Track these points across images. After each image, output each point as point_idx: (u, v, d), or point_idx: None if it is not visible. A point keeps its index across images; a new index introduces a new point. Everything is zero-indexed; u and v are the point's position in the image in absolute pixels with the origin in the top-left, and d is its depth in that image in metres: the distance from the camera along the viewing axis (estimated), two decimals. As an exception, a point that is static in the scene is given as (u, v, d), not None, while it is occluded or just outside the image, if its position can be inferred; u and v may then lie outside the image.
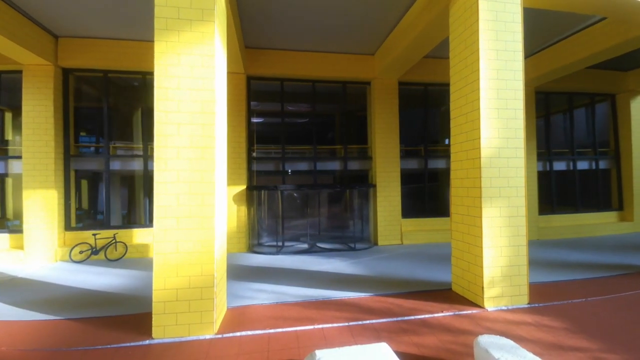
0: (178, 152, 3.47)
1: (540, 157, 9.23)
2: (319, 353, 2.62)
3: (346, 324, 3.73)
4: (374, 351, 2.66)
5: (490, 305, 4.09)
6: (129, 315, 4.00)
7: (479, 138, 4.10)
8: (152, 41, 7.11)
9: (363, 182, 8.89)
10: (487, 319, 3.85)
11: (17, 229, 7.37)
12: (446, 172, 9.28)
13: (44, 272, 6.12)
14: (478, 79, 4.13)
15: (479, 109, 4.12)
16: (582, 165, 9.79)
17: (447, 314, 3.97)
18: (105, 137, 7.53)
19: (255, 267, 6.31)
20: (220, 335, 3.48)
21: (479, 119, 4.12)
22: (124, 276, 5.77)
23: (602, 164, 9.93)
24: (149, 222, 7.67)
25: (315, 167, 8.40)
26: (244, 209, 7.70)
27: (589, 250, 7.35)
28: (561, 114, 9.99)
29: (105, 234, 7.21)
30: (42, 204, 6.86)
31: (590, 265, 6.12)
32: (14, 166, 7.41)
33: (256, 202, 8.06)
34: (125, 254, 7.08)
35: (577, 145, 9.73)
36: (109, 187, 7.53)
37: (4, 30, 5.59)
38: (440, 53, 7.85)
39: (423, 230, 8.56)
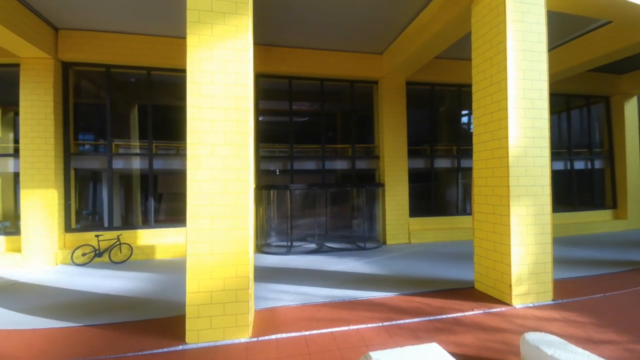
0: (212, 150, 3.35)
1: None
2: (374, 355, 2.56)
3: (380, 324, 3.69)
4: (427, 352, 2.62)
5: (517, 303, 4.14)
6: (155, 320, 3.84)
7: (507, 137, 4.14)
8: (158, 35, 6.97)
9: (369, 182, 8.89)
10: (517, 317, 3.89)
11: (9, 231, 7.00)
12: (449, 172, 9.39)
13: (46, 276, 5.81)
14: (506, 78, 4.17)
15: (506, 108, 4.16)
16: (579, 165, 10.12)
17: (478, 312, 4.00)
18: (108, 135, 7.23)
19: (270, 268, 6.19)
20: (255, 339, 3.38)
21: (506, 118, 4.16)
22: (134, 279, 5.55)
23: (597, 164, 10.30)
24: (154, 223, 7.42)
25: (324, 166, 8.34)
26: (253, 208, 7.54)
27: (591, 247, 7.58)
28: (557, 115, 10.29)
29: (108, 235, 6.92)
30: (41, 204, 6.52)
31: (596, 261, 6.30)
32: (4, 165, 7.02)
33: (265, 202, 7.92)
34: (130, 256, 6.82)
35: (573, 145, 10.06)
36: (112, 186, 7.23)
37: (4, 20, 5.27)
38: (448, 54, 7.93)
39: (429, 229, 8.64)
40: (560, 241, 8.37)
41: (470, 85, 8.97)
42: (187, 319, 3.27)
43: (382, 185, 8.25)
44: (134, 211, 8.13)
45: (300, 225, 8.35)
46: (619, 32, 6.45)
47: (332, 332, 3.51)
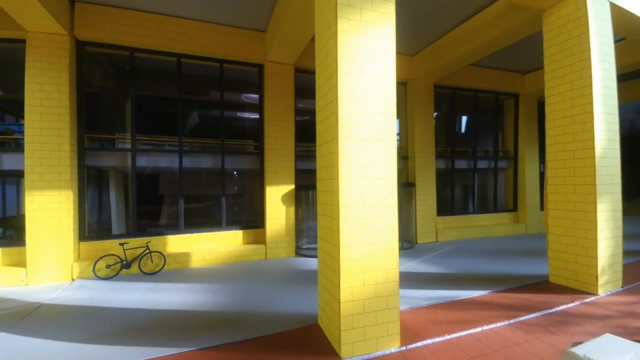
0: (362, 145, 3.07)
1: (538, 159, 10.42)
2: (576, 350, 2.57)
3: (507, 322, 3.71)
4: (612, 342, 2.69)
5: (601, 292, 4.47)
6: (277, 335, 3.41)
7: (593, 139, 4.46)
8: (192, 19, 6.25)
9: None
10: (609, 304, 4.19)
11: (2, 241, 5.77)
12: (466, 172, 9.88)
13: (72, 294, 4.85)
14: (590, 84, 4.49)
15: (591, 112, 4.48)
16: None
17: (577, 303, 4.23)
18: (132, 129, 6.29)
19: (331, 272, 5.89)
20: (403, 348, 3.17)
21: (591, 121, 4.48)
22: (192, 291, 4.88)
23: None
24: (184, 228, 6.63)
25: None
26: (292, 210, 7.15)
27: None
28: None
29: (134, 243, 6.02)
30: (52, 208, 5.44)
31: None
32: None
33: (304, 203, 7.55)
34: (164, 265, 5.99)
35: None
36: (135, 187, 6.31)
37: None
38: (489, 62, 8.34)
39: (452, 228, 8.99)
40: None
41: (487, 92, 9.56)
42: (341, 331, 2.95)
43: (414, 185, 8.38)
44: (159, 215, 7.19)
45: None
46: (629, 49, 7.36)
47: (472, 334, 3.44)
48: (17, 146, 6.36)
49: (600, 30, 4.69)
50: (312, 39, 6.64)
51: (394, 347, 3.14)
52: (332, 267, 3.12)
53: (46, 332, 3.59)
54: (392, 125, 3.20)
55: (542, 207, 10.01)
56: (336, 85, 3.03)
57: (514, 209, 10.11)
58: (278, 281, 5.40)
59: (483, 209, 10.04)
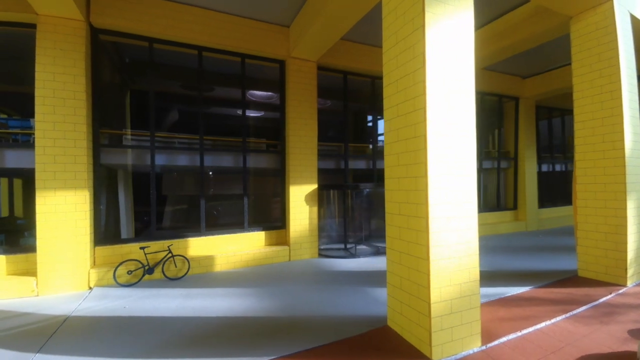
0: (447, 142, 3.04)
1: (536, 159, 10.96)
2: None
3: (564, 316, 3.83)
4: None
5: (629, 283, 4.76)
6: (352, 339, 3.29)
7: (622, 140, 4.73)
8: (216, 10, 5.95)
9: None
10: (639, 293, 4.49)
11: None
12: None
13: (100, 303, 4.43)
14: (619, 88, 4.77)
15: (621, 114, 4.76)
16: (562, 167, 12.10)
17: (614, 294, 4.46)
18: (150, 125, 5.87)
19: (366, 272, 5.82)
20: (484, 347, 3.17)
21: (621, 123, 4.75)
22: (231, 296, 4.62)
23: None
24: (205, 230, 6.28)
25: (374, 165, 8.20)
26: (315, 210, 7.00)
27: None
28: (545, 121, 12.10)
29: (155, 247, 5.62)
30: (67, 211, 4.95)
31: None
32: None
33: (326, 203, 7.43)
34: (188, 270, 5.63)
35: (554, 150, 11.96)
36: (155, 187, 5.89)
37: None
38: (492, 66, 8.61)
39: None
40: (563, 231, 9.82)
41: (490, 94, 9.89)
42: (432, 333, 2.89)
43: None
44: (179, 216, 6.76)
45: (358, 227, 8.05)
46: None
47: (539, 330, 3.51)
48: (14, 142, 5.76)
49: (625, 39, 4.99)
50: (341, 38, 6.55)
51: (476, 346, 3.14)
52: (418, 268, 3.05)
53: (93, 349, 3.23)
54: (472, 121, 3.20)
55: (540, 206, 10.57)
56: (423, 80, 2.97)
57: (514, 207, 10.56)
58: (315, 283, 5.25)
59: (486, 207, 10.40)
